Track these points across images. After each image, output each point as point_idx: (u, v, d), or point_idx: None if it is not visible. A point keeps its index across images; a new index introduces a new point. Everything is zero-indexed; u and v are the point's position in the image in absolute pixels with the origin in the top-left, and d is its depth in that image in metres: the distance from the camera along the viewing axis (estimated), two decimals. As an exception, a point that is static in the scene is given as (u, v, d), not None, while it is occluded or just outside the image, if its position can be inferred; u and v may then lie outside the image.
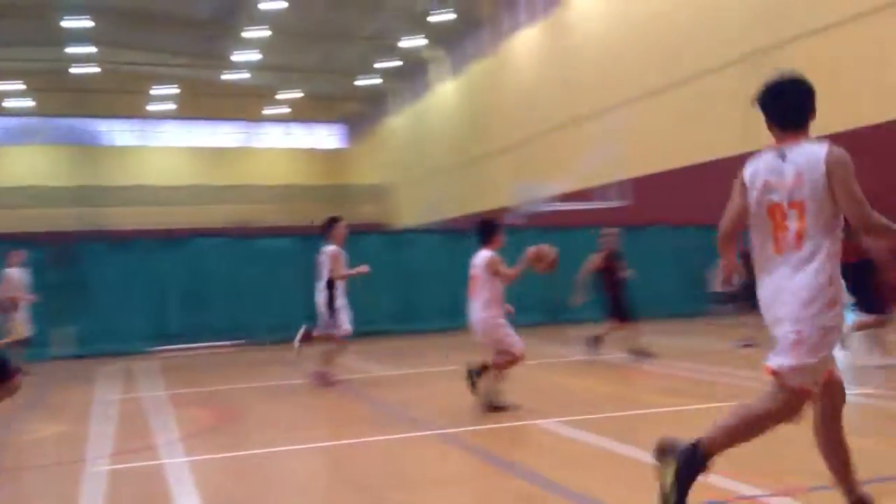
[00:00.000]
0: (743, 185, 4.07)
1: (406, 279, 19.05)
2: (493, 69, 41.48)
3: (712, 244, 4.56)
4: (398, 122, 55.91)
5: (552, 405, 8.59)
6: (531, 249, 8.21)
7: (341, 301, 10.59)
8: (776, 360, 3.83)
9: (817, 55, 20.16)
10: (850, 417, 4.08)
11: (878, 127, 19.21)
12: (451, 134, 46.71)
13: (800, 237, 3.80)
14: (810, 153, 3.87)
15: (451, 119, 46.72)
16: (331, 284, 10.52)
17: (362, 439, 7.47)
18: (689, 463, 3.83)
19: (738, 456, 4.14)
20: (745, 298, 15.27)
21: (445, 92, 47.67)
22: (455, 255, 19.23)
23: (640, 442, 5.84)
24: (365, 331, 14.62)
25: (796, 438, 4.53)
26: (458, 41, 45.67)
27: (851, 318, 10.04)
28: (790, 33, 22.07)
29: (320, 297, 10.59)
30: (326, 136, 65.04)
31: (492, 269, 8.23)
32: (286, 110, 60.93)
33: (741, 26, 24.16)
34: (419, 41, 45.30)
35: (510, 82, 39.34)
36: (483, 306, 8.25)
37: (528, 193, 27.83)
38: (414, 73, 51.91)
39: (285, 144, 63.17)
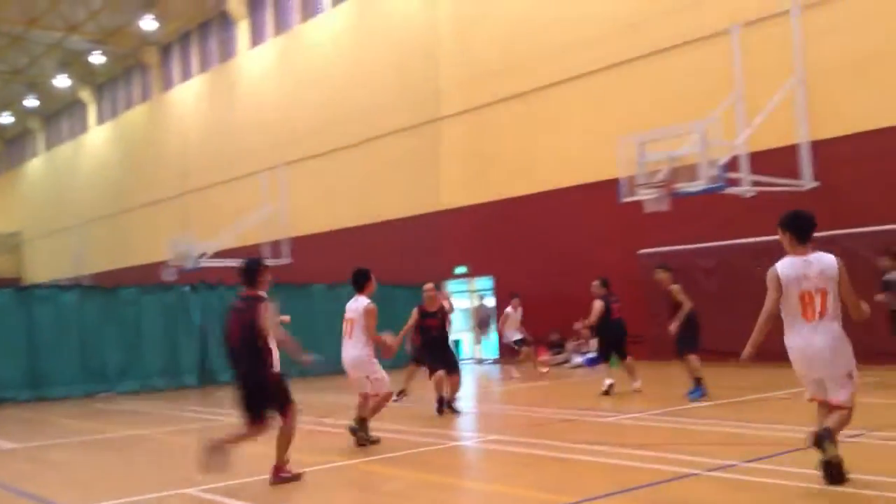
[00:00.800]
0: (778, 278, 6.16)
1: (37, 340, 16.92)
2: (152, 117, 39.47)
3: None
4: (38, 167, 50.74)
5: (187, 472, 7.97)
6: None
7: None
8: (843, 394, 6.08)
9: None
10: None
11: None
12: (102, 182, 43.34)
13: (823, 311, 6.05)
14: (827, 259, 6.15)
15: (104, 166, 43.42)
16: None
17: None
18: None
19: None
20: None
21: (98, 137, 44.31)
22: (100, 313, 17.59)
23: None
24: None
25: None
26: (113, 85, 42.92)
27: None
28: (448, 111, 23.89)
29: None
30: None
31: (368, 316, 9.02)
32: None
33: (402, 100, 25.61)
34: (67, 81, 41.79)
35: (171, 132, 37.68)
36: (357, 346, 9.04)
37: (183, 248, 26.50)
38: (61, 115, 47.70)
39: None
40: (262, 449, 9.24)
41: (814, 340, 6.07)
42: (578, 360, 19.39)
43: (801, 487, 6.20)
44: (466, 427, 11.39)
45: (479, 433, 9.96)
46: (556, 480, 7.08)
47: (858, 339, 6.43)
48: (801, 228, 6.28)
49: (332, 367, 20.06)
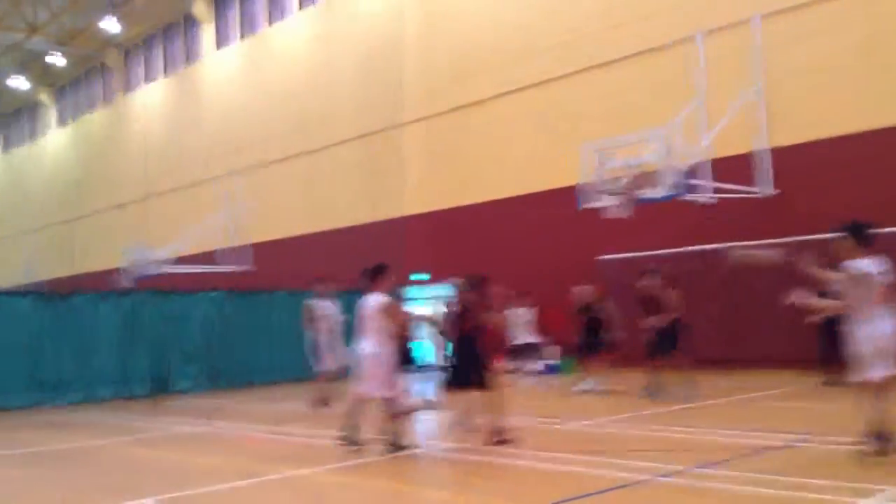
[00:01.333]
0: (854, 273, 7.19)
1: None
2: (112, 121, 38.90)
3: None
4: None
5: (148, 483, 7.77)
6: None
7: None
8: None
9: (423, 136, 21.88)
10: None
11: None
12: (60, 186, 42.60)
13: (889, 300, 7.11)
14: (886, 260, 7.27)
15: (63, 170, 42.67)
16: None
17: None
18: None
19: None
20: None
21: (55, 141, 43.56)
22: (51, 321, 17.14)
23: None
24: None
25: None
26: (74, 87, 42.25)
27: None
28: (410, 117, 23.83)
29: None
30: None
31: (387, 312, 8.49)
32: None
33: (365, 105, 25.50)
34: (26, 82, 41.02)
35: (131, 136, 37.15)
36: (375, 344, 8.48)
37: (141, 254, 26.10)
38: (19, 117, 46.86)
39: None
40: (209, 461, 9.06)
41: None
42: (534, 366, 19.27)
43: (751, 492, 6.18)
44: (424, 434, 11.26)
45: (432, 441, 9.83)
46: (508, 489, 6.98)
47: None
48: (864, 232, 7.43)
49: (286, 375, 20.11)
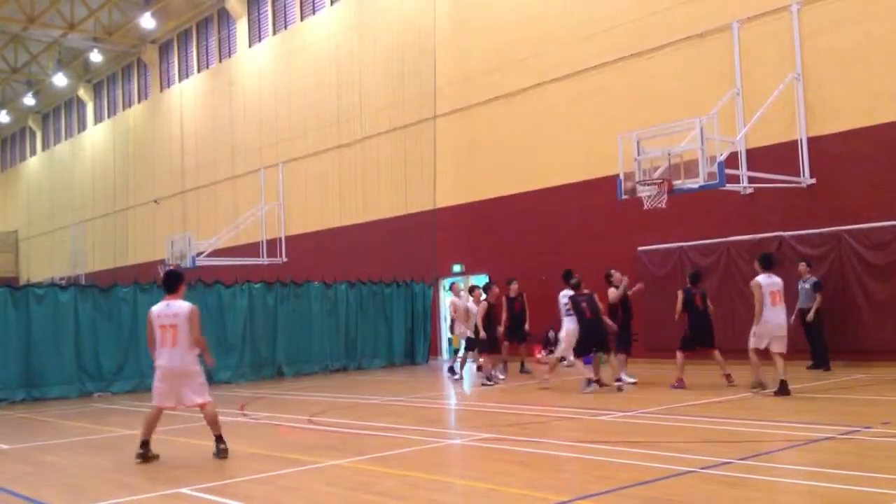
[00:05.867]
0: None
1: (32, 340, 16.80)
2: (150, 115, 39.41)
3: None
4: (36, 165, 50.70)
5: (198, 472, 7.92)
6: None
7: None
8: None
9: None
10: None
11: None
12: (100, 180, 43.29)
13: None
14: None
15: (102, 165, 43.33)
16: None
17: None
18: None
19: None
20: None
21: (96, 136, 44.24)
22: (96, 312, 17.48)
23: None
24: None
25: None
26: (111, 83, 42.86)
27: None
28: (444, 109, 23.86)
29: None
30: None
31: (192, 320, 8.46)
32: None
33: (398, 98, 25.56)
34: (65, 79, 41.67)
35: (169, 130, 37.61)
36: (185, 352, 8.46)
37: (181, 246, 26.50)
38: (59, 113, 47.65)
39: None
40: (250, 449, 9.20)
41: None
42: (572, 357, 19.24)
43: (796, 485, 6.15)
44: (457, 425, 11.33)
45: (471, 431, 9.89)
46: (550, 479, 7.02)
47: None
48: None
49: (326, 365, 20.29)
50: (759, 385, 11.87)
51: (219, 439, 8.61)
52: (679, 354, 13.23)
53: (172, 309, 8.57)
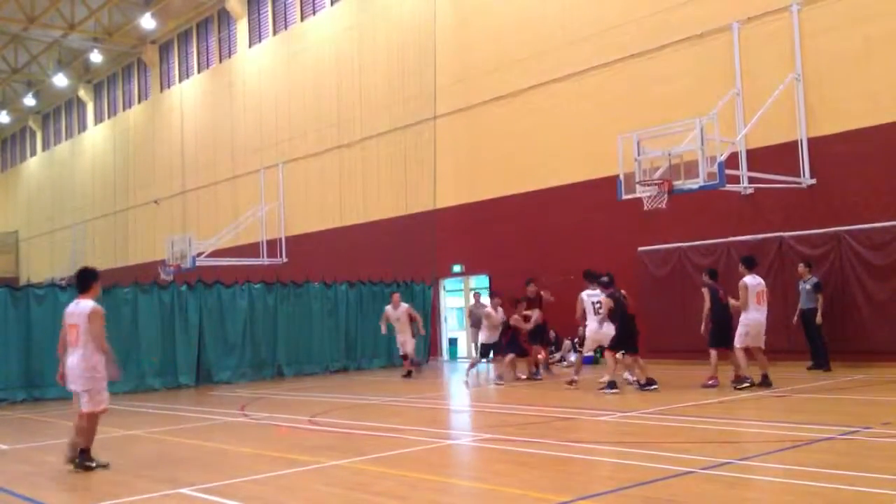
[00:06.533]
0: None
1: (32, 340, 16.78)
2: (150, 115, 39.41)
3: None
4: (36, 165, 50.69)
5: (198, 472, 7.92)
6: None
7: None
8: None
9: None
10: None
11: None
12: (100, 181, 43.29)
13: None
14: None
15: (102, 165, 43.34)
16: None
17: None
18: None
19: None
20: None
21: (96, 136, 44.24)
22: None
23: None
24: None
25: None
26: (112, 83, 42.86)
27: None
28: (444, 109, 23.84)
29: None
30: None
31: (94, 320, 8.11)
32: None
33: (398, 99, 25.57)
34: (66, 79, 41.67)
35: (169, 131, 37.61)
36: (86, 355, 8.13)
37: (181, 246, 26.49)
38: (59, 113, 47.65)
39: None
40: (249, 450, 9.20)
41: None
42: (573, 358, 19.25)
43: (795, 485, 6.15)
44: (460, 426, 11.33)
45: (473, 432, 9.89)
46: (550, 479, 7.02)
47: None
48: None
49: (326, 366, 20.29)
50: (743, 380, 12.39)
51: (83, 452, 8.29)
52: (712, 352, 13.08)
53: (79, 307, 8.36)
